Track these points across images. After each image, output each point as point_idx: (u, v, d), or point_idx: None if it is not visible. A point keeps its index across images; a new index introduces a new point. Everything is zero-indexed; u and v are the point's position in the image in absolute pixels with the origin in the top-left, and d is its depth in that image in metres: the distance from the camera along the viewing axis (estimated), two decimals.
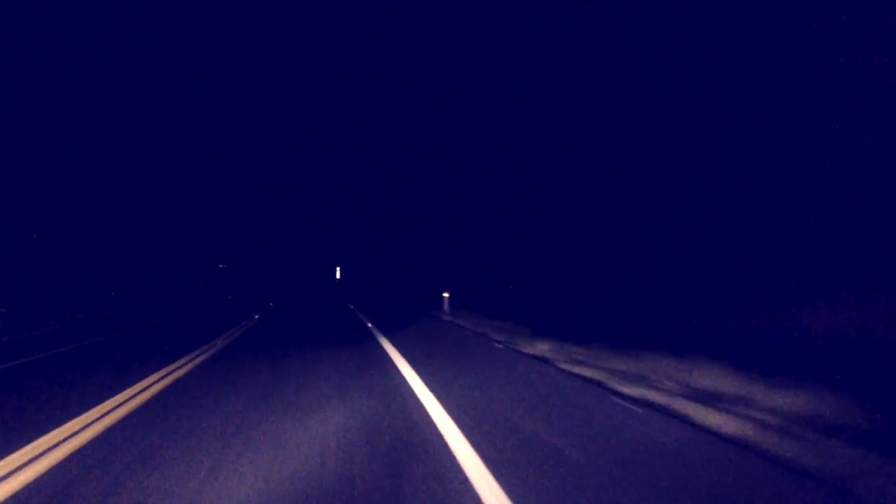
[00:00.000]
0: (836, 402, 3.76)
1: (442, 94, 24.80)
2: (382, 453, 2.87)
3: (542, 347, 6.84)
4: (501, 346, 7.16)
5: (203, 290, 34.57)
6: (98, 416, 3.73)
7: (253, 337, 8.83)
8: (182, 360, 6.35)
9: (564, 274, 13.39)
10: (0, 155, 20.79)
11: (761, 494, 2.33)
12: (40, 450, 3.01)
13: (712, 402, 3.86)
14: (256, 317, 12.83)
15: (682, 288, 8.48)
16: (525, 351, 6.59)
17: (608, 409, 3.77)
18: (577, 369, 5.24)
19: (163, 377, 5.17)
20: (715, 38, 9.84)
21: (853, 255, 6.43)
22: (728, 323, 6.81)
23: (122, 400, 4.18)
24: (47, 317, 12.81)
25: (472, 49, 21.24)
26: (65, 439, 3.20)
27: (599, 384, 4.55)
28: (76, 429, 3.40)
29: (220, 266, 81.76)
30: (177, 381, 4.99)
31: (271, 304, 18.12)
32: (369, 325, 10.34)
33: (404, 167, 34.16)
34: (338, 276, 63.02)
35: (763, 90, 8.50)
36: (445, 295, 12.21)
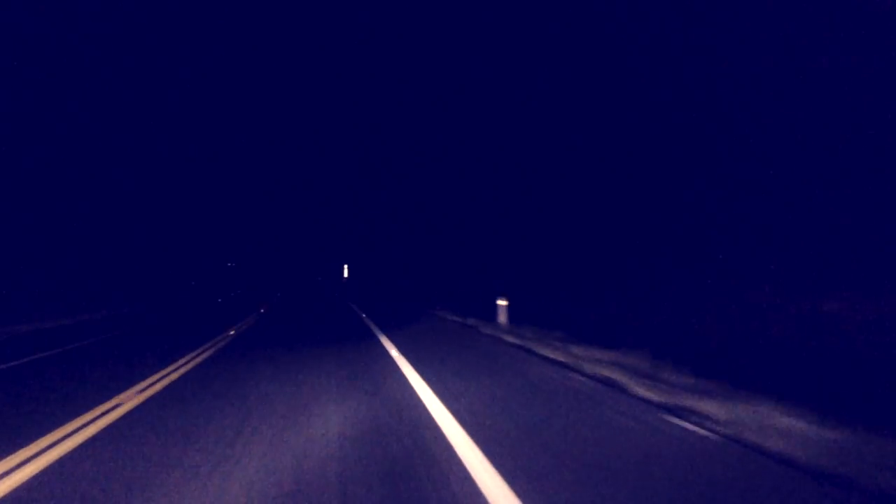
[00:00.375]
0: None
1: (462, 87, 23.27)
2: None
3: (796, 426, 2.97)
4: (687, 423, 3.30)
5: (206, 289, 31.61)
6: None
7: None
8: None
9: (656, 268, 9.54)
10: (13, 155, 20.74)
11: None
12: None
13: None
14: (211, 349, 9.13)
15: None
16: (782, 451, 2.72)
17: None
18: None
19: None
20: (716, 37, 9.71)
21: None
22: None
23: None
24: (46, 317, 12.34)
25: (484, 44, 20.35)
26: None
27: None
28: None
29: (229, 265, 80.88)
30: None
31: (258, 312, 14.46)
32: (394, 353, 6.55)
33: (430, 154, 30.62)
34: (346, 274, 59.24)
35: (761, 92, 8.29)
36: (502, 303, 8.35)
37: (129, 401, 4.29)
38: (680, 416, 3.52)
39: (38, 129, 22.69)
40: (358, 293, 26.85)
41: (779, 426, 3.21)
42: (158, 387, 4.84)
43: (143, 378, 5.20)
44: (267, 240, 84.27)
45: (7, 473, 2.78)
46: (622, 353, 5.88)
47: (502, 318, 8.34)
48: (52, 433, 3.43)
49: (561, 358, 5.82)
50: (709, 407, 3.70)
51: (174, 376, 5.35)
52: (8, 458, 3.00)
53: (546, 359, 5.89)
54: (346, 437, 3.20)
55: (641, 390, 4.28)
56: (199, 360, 6.41)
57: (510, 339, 7.38)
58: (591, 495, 2.31)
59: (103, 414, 3.91)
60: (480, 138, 21.85)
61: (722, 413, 3.53)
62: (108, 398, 4.36)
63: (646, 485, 2.42)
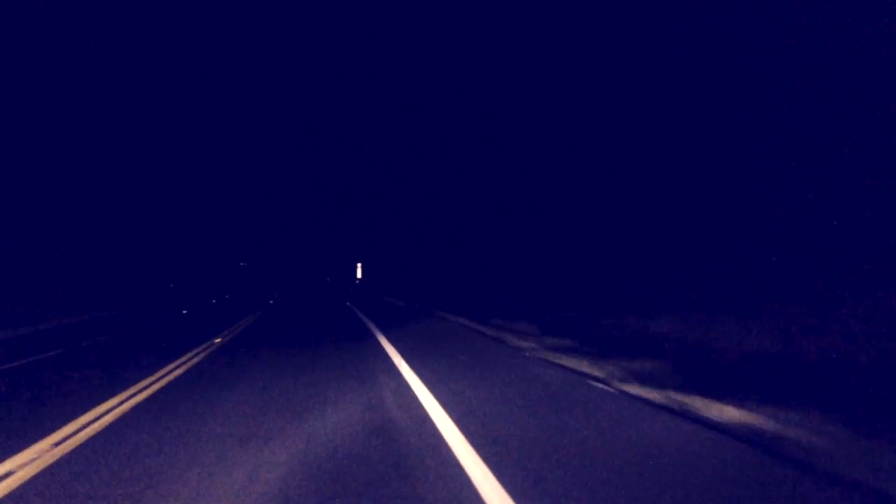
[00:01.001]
0: None
1: (479, 84, 22.29)
2: None
3: None
4: None
5: (186, 294, 26.32)
6: None
7: None
8: None
9: None
10: (31, 156, 21.25)
11: None
12: None
13: None
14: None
15: None
16: None
17: None
18: None
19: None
20: (716, 37, 9.57)
21: None
22: None
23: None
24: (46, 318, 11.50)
25: (496, 42, 20.13)
26: None
27: None
28: None
29: (241, 265, 78.06)
30: None
31: (213, 343, 8.32)
32: None
33: (454, 148, 25.82)
34: (359, 275, 53.02)
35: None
36: None
37: None
38: None
39: (57, 129, 23.07)
40: (377, 302, 20.51)
41: None
42: None
43: None
44: (278, 239, 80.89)
45: None
46: None
47: None
48: None
49: None
50: None
51: None
52: None
53: None
54: None
55: None
56: None
57: None
58: None
59: None
60: (505, 133, 20.47)
61: None
62: None
63: None
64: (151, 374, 5.57)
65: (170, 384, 5.09)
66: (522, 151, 20.15)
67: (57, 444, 3.35)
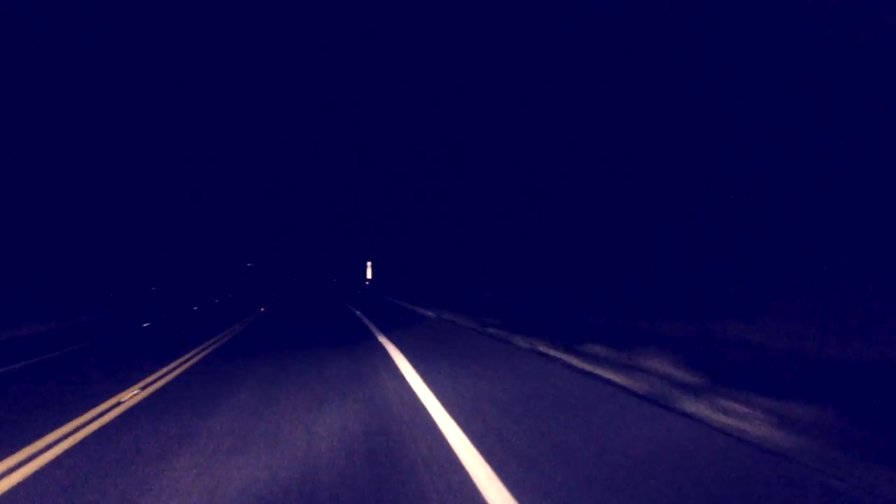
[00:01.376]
0: None
1: (486, 82, 21.28)
2: None
3: None
4: None
5: (164, 300, 23.04)
6: None
7: None
8: None
9: None
10: (41, 157, 21.06)
11: None
12: None
13: None
14: None
15: None
16: None
17: None
18: None
19: None
20: (716, 36, 9.50)
21: None
22: None
23: None
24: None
25: (498, 42, 19.68)
26: None
27: None
28: None
29: (248, 265, 76.58)
30: None
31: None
32: None
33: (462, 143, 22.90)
34: (369, 275, 49.27)
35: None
36: None
37: None
38: None
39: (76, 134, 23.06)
40: (392, 310, 16.85)
41: None
42: None
43: None
44: (285, 240, 79.16)
45: None
46: None
47: None
48: None
49: None
50: None
51: None
52: None
53: None
54: None
55: None
56: None
57: None
58: None
59: None
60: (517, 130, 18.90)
61: None
62: None
63: None
64: None
65: None
66: (540, 147, 17.79)
67: None
